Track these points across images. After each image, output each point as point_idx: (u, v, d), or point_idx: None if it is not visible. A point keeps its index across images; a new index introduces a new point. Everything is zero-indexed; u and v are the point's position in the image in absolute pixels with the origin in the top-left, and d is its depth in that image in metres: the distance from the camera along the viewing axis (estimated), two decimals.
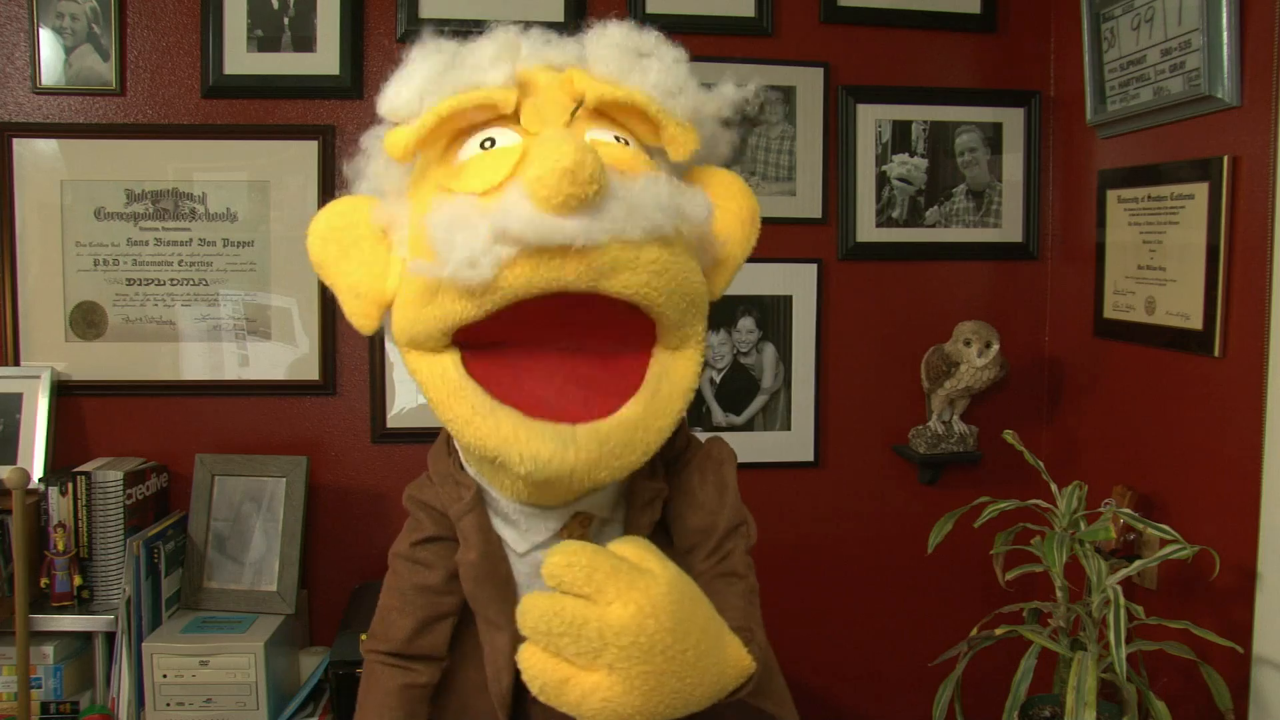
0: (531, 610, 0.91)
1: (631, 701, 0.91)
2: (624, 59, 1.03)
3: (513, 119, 1.00)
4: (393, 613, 1.17)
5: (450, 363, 0.98)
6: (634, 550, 0.97)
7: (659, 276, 0.95)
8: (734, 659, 0.99)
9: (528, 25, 1.10)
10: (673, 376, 1.01)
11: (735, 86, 1.12)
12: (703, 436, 1.23)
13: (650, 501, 1.13)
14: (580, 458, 0.94)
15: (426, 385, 1.00)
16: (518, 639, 1.11)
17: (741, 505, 1.17)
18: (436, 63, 1.01)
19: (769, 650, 1.13)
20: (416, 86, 1.00)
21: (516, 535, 1.12)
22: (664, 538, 1.16)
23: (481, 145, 0.99)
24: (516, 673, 1.14)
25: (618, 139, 1.02)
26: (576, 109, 1.01)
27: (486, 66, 1.00)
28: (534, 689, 0.93)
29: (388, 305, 1.02)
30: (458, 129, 1.01)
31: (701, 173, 1.12)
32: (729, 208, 1.10)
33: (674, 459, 1.16)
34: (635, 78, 1.02)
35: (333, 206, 1.07)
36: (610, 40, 1.05)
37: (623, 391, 0.99)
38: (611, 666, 0.91)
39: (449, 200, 0.95)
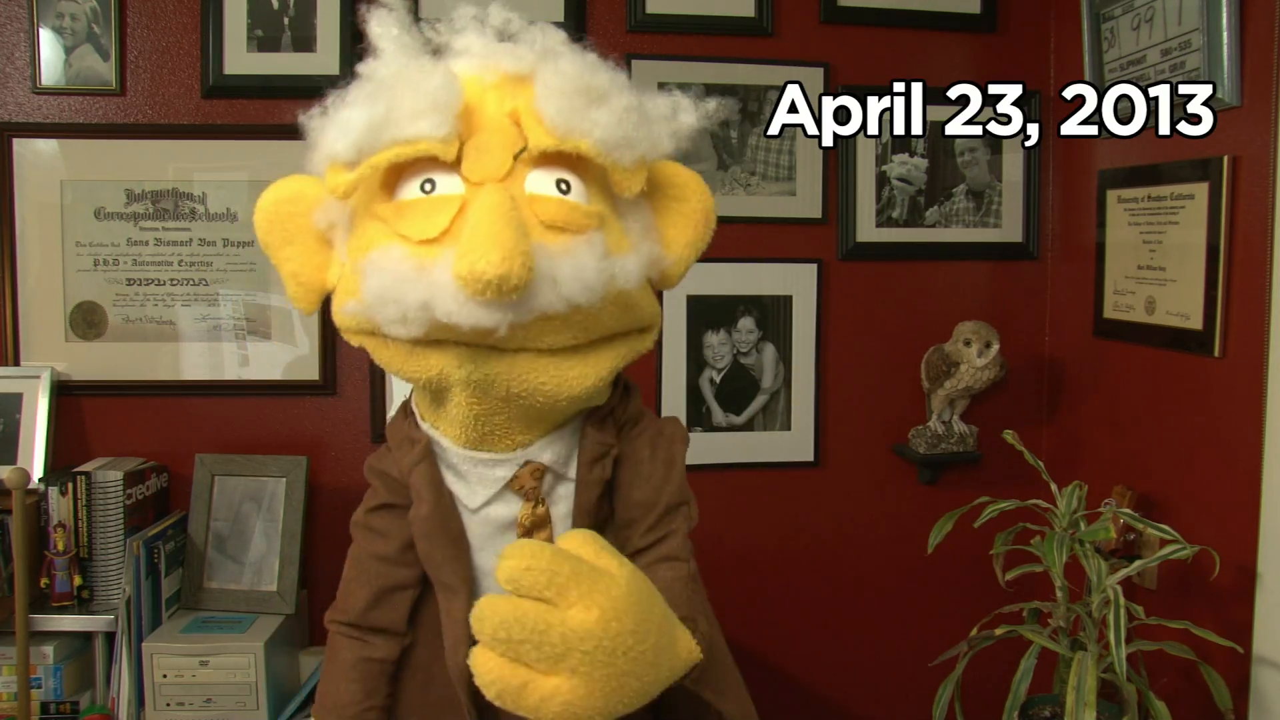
0: (490, 616, 0.89)
1: (593, 704, 0.91)
2: (574, 103, 0.99)
3: (455, 162, 0.99)
4: (351, 583, 1.18)
5: None
6: (589, 547, 0.96)
7: (586, 326, 1.00)
8: (684, 650, 1.00)
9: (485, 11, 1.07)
10: None
11: (695, 106, 1.10)
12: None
13: (600, 457, 1.12)
14: (514, 359, 0.99)
15: (371, 351, 1.05)
16: (472, 603, 1.11)
17: (686, 486, 1.17)
18: (375, 112, 0.97)
19: (714, 636, 1.13)
20: (354, 139, 0.98)
21: (468, 490, 1.12)
22: (608, 507, 1.16)
23: (422, 187, 0.99)
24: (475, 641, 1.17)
25: (560, 183, 1.00)
26: (519, 153, 1.00)
27: (426, 113, 0.96)
28: (490, 694, 0.91)
29: (327, 293, 1.09)
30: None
31: (663, 167, 1.12)
32: (683, 209, 1.12)
33: (627, 422, 1.16)
34: (583, 126, 0.99)
35: (280, 188, 1.10)
36: (562, 78, 1.01)
37: None
38: (574, 670, 0.89)
39: (385, 250, 0.97)
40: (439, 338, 0.98)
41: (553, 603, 0.90)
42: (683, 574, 1.10)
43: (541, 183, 1.00)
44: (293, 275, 1.09)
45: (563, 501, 1.13)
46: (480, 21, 1.07)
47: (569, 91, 1.00)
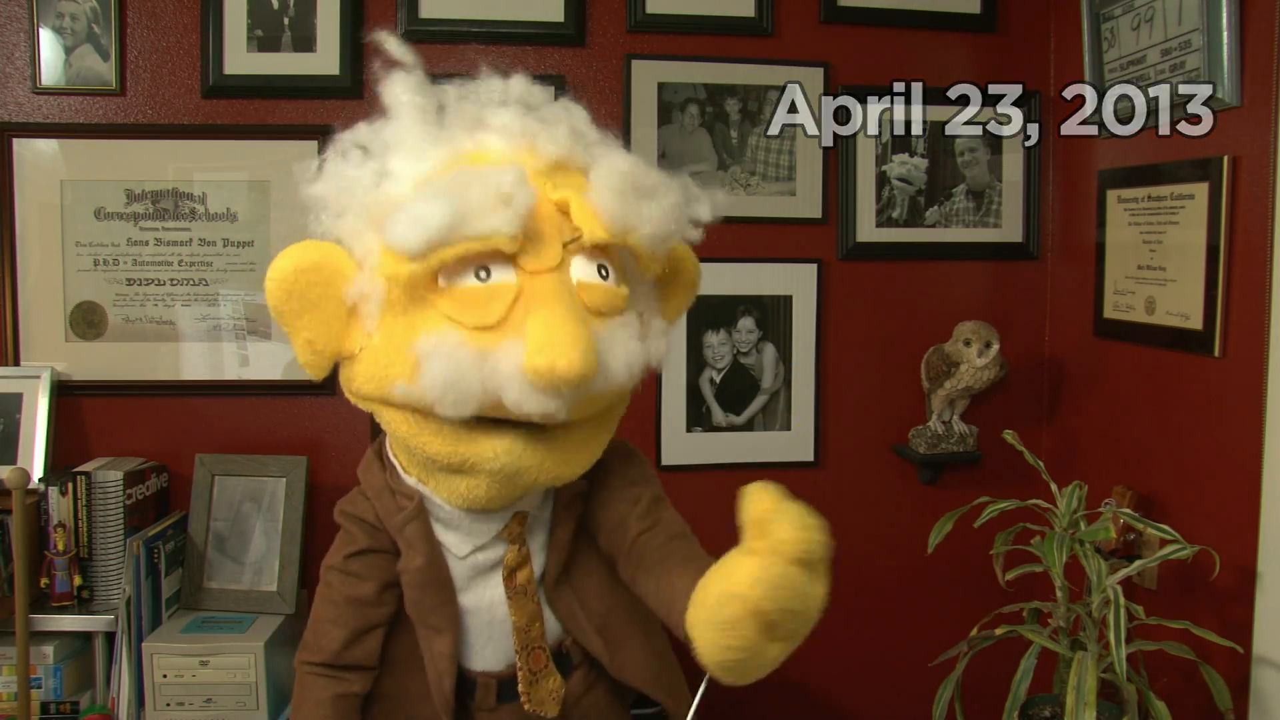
0: (783, 585, 0.85)
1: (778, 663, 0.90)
2: (627, 200, 1.05)
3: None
4: (325, 624, 1.21)
5: None
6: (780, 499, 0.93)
7: (606, 402, 1.10)
8: None
9: (532, 83, 1.15)
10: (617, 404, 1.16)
11: (711, 205, 1.16)
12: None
13: (574, 498, 1.20)
14: (546, 453, 1.06)
15: (395, 425, 1.09)
16: (458, 642, 1.19)
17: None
18: (451, 210, 0.98)
19: None
20: (428, 237, 0.99)
21: (458, 539, 1.18)
22: (585, 536, 1.24)
23: (476, 274, 1.02)
24: (459, 675, 1.21)
25: (600, 269, 1.07)
26: (570, 242, 1.05)
27: (499, 209, 0.99)
28: (728, 657, 0.87)
29: (339, 359, 1.11)
30: None
31: None
32: (681, 280, 1.23)
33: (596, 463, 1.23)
34: (634, 221, 1.05)
35: (299, 256, 1.07)
36: (618, 176, 1.06)
37: None
38: (795, 639, 0.89)
39: (441, 334, 1.00)
40: (486, 415, 1.02)
41: (818, 574, 0.88)
42: (699, 548, 1.14)
43: (586, 269, 1.05)
44: (308, 343, 1.08)
45: (538, 537, 1.20)
46: (504, 96, 1.12)
47: (623, 190, 1.05)
